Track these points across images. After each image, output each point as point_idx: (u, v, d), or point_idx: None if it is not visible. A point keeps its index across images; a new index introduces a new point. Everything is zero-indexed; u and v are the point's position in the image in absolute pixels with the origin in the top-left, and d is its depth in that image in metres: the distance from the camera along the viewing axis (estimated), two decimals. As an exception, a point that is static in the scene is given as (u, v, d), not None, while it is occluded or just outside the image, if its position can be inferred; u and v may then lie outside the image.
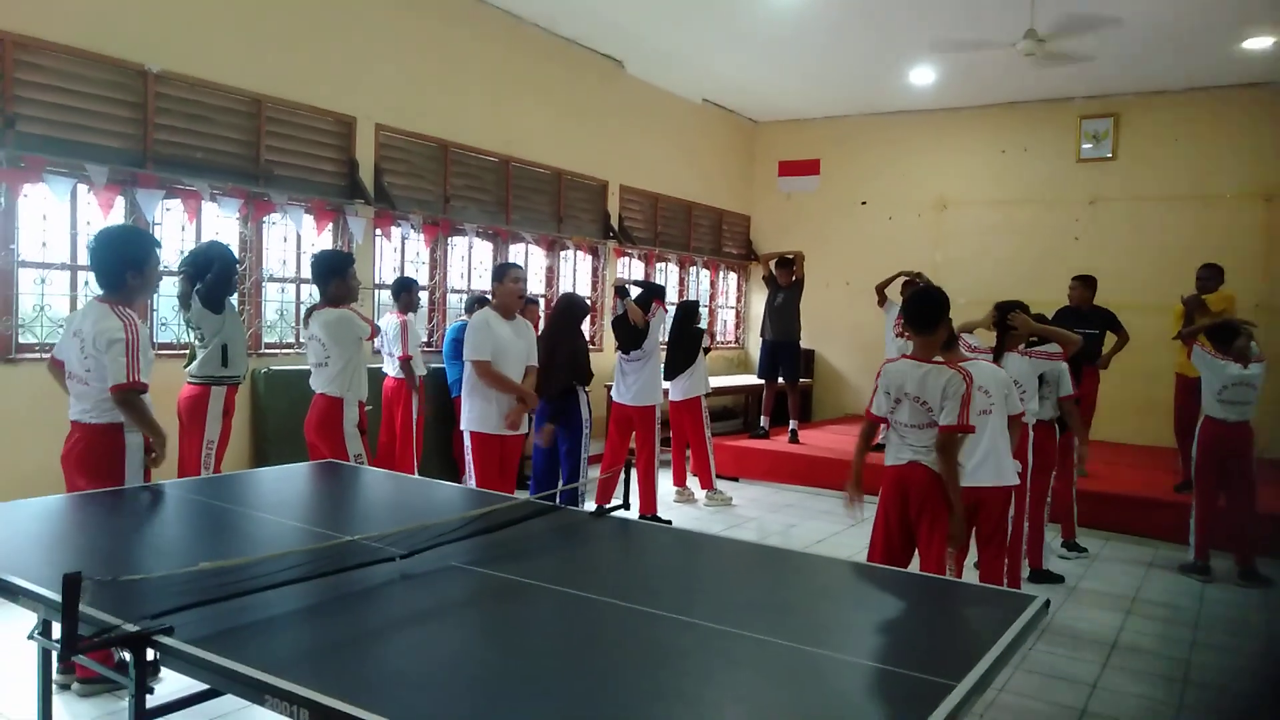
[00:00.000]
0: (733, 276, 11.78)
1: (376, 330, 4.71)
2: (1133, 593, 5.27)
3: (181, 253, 5.47)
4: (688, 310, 7.17)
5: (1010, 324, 4.72)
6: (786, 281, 8.37)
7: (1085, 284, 7.15)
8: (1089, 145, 9.80)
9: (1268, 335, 8.01)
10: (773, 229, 11.66)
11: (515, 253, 8.16)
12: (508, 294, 4.90)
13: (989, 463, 4.02)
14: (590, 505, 4.77)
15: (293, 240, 6.34)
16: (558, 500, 3.38)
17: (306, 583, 2.19)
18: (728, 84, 10.11)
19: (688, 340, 7.03)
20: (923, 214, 10.75)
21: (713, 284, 11.39)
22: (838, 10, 7.46)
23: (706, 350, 7.25)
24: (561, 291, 8.04)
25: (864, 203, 11.09)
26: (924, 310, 3.62)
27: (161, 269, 3.87)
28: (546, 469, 5.59)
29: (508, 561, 2.56)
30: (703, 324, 7.55)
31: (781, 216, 11.62)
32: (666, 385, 6.94)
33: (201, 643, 1.81)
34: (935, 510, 3.53)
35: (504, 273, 4.96)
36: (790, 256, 8.40)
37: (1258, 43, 7.73)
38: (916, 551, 3.64)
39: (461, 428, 4.94)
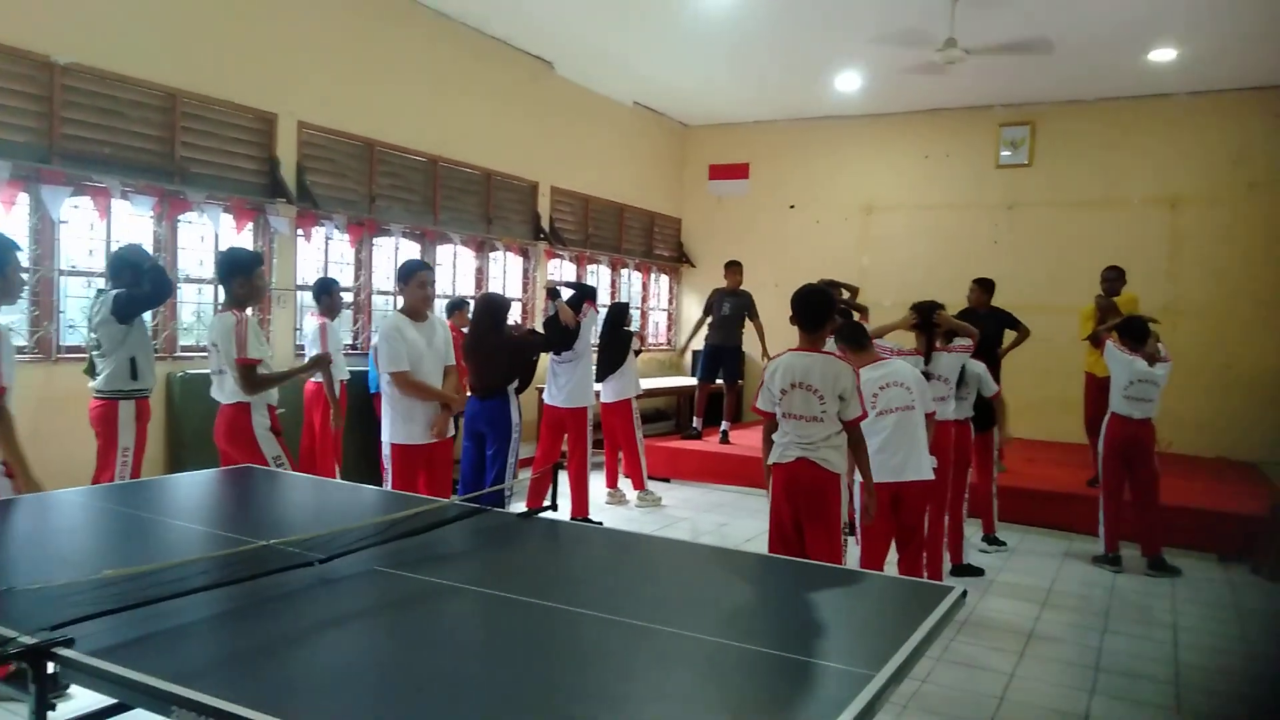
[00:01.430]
0: (664, 279, 11.83)
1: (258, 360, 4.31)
2: (1048, 584, 5.46)
3: (90, 252, 5.27)
4: (617, 313, 7.17)
5: (935, 322, 4.95)
6: (735, 285, 8.47)
7: (982, 287, 7.41)
8: (1007, 152, 10.12)
9: (1171, 335, 8.42)
10: (703, 232, 11.76)
11: (443, 253, 8.06)
12: (416, 296, 4.62)
13: (912, 458, 4.14)
14: (518, 508, 4.73)
15: (210, 240, 6.14)
16: (481, 503, 3.34)
17: (220, 589, 2.11)
18: (658, 87, 10.16)
19: (618, 342, 7.03)
20: (849, 218, 10.96)
21: (644, 286, 11.42)
22: (765, 16, 7.56)
23: (638, 352, 7.27)
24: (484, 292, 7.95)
25: (792, 206, 11.26)
26: (813, 308, 3.77)
27: (23, 272, 3.67)
28: (473, 473, 5.51)
29: (432, 564, 2.52)
30: (633, 326, 7.57)
31: (712, 219, 11.73)
32: (598, 387, 6.93)
33: (105, 654, 1.73)
34: (822, 507, 3.66)
35: (411, 275, 4.63)
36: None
37: (1161, 55, 8.08)
38: None
39: (383, 439, 4.71)
